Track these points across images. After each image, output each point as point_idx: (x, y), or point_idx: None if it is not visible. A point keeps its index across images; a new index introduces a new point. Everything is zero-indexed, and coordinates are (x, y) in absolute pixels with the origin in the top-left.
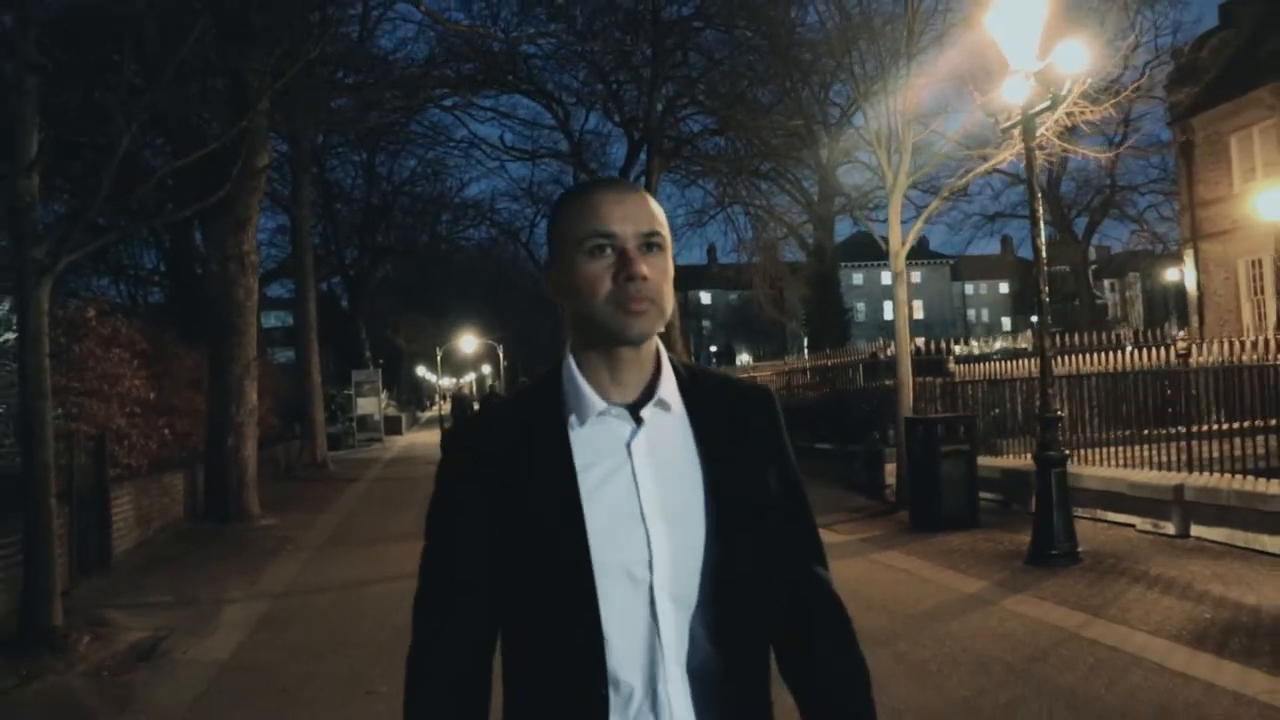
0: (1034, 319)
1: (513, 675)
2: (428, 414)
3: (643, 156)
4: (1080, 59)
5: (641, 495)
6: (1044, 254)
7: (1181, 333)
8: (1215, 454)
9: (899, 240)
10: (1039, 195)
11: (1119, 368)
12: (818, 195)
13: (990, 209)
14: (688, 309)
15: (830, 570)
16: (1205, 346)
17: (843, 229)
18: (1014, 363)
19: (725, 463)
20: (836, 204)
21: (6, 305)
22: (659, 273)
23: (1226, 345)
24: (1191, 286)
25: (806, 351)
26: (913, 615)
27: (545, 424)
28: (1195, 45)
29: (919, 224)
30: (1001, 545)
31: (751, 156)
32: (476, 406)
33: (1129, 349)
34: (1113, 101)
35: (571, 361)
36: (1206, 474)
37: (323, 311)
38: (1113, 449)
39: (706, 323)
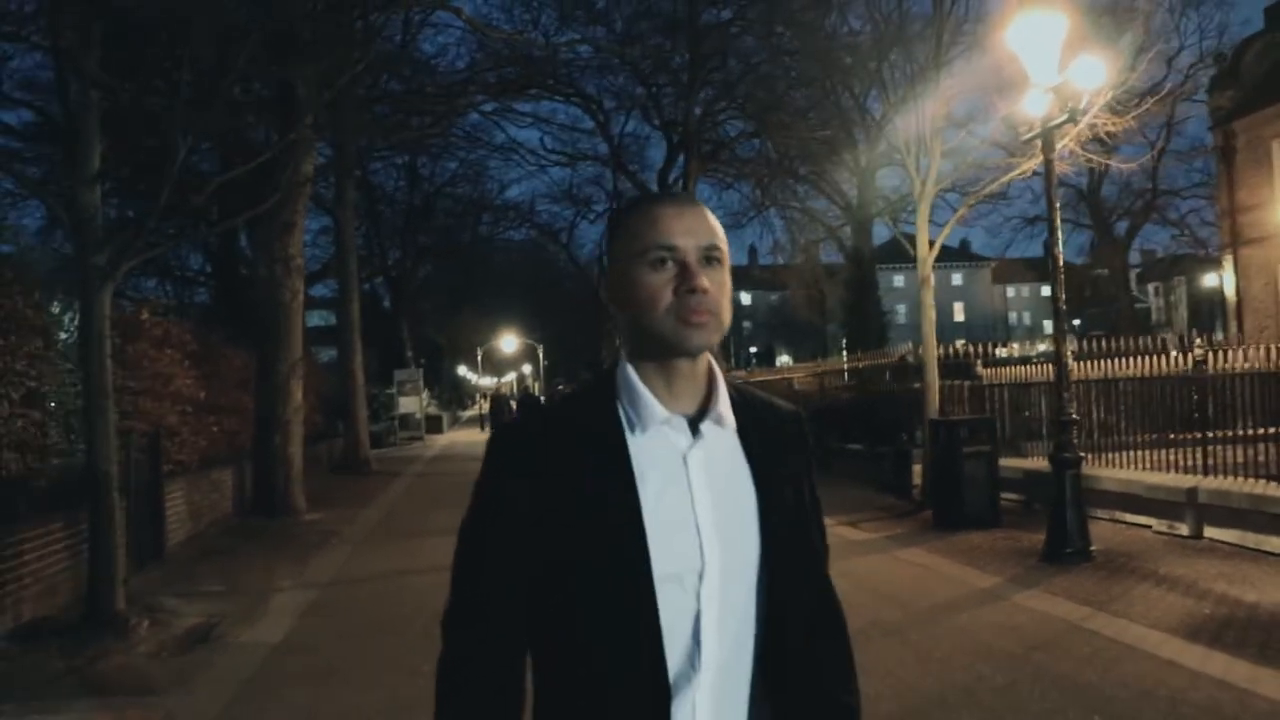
0: (1075, 322)
1: (552, 684)
2: (468, 413)
3: (681, 159)
4: (1098, 74)
5: (696, 507)
6: (1061, 261)
7: (1200, 340)
8: (1239, 459)
9: (926, 246)
10: (1057, 205)
11: (1141, 373)
12: (856, 199)
13: (1030, 212)
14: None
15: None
16: (1221, 354)
17: (883, 231)
18: (1039, 367)
19: (773, 480)
20: (875, 207)
21: (58, 308)
22: (718, 286)
23: (1241, 353)
24: (1230, 292)
25: (845, 353)
26: (926, 608)
27: (603, 430)
28: (1239, 49)
29: (946, 230)
30: (1020, 544)
31: (789, 159)
32: (514, 405)
33: (1172, 353)
34: (1135, 113)
35: (630, 370)
36: (1219, 477)
37: (365, 311)
38: (1139, 452)
39: (747, 323)
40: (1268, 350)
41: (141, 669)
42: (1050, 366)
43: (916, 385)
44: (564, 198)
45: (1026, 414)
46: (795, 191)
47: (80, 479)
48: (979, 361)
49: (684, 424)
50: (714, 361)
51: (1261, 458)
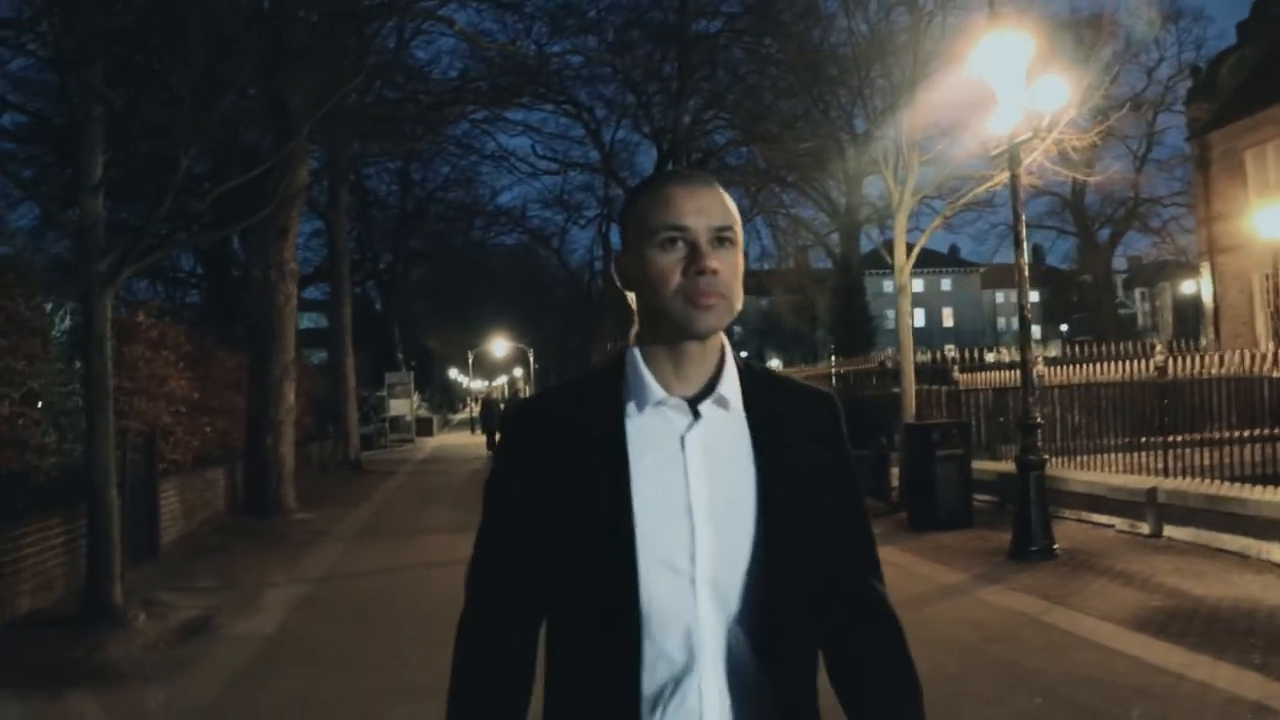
0: (1063, 327)
1: (554, 650)
2: (459, 416)
3: (670, 166)
4: (1062, 93)
5: (691, 489)
6: (1026, 272)
7: (1160, 347)
8: (1207, 460)
9: (904, 255)
10: (1023, 218)
11: (1107, 379)
12: (844, 205)
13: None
14: None
15: (886, 584)
16: (1179, 361)
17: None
18: (1013, 373)
19: (779, 464)
20: (863, 214)
21: (49, 308)
22: (729, 268)
23: (1198, 359)
24: (1208, 299)
25: (833, 358)
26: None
27: (603, 409)
28: (1213, 62)
29: (923, 239)
30: (989, 543)
31: (778, 167)
32: (504, 409)
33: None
34: (1099, 130)
35: (636, 351)
36: (1177, 479)
37: (357, 314)
38: (1112, 455)
39: (738, 328)
40: (1220, 357)
41: (140, 659)
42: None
43: (895, 390)
44: (555, 203)
45: (1002, 419)
46: (782, 199)
47: (76, 476)
48: (956, 367)
49: (684, 405)
50: (727, 343)
51: (1228, 460)
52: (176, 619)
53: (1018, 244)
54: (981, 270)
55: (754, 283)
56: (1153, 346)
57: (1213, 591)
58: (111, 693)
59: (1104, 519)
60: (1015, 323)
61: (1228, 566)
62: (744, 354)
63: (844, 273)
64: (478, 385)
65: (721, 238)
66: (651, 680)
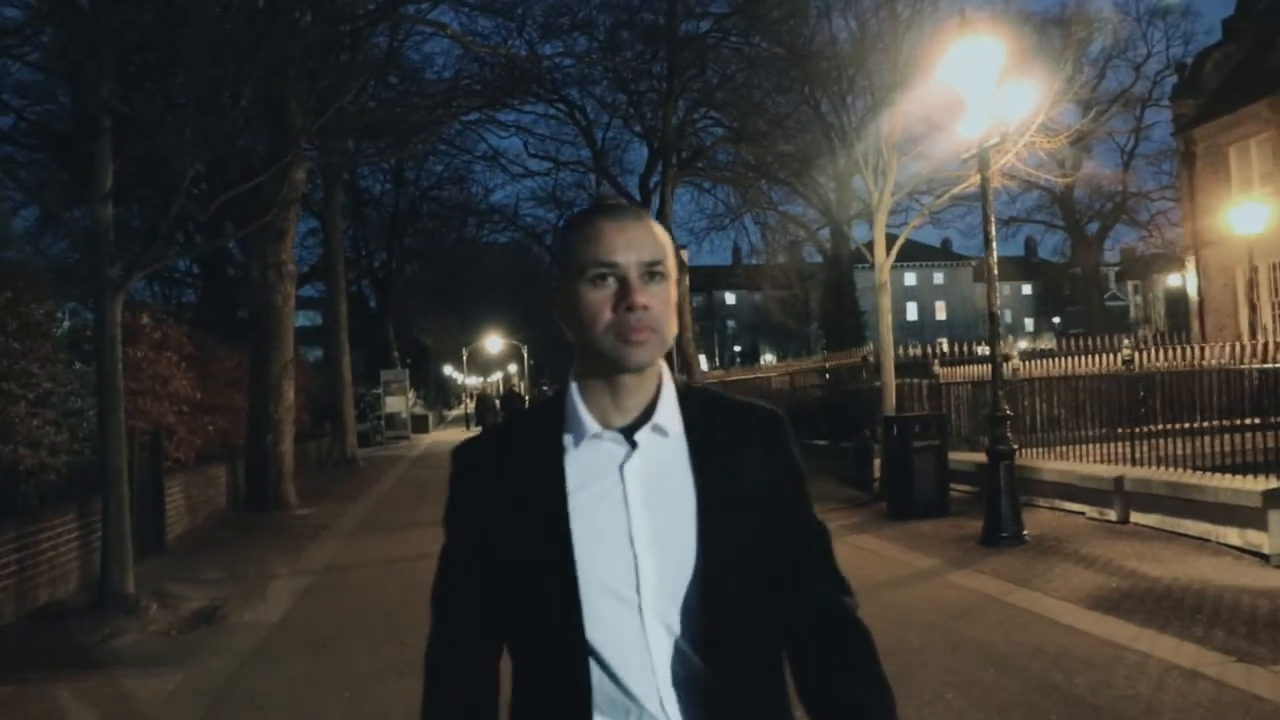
0: (1055, 320)
1: (515, 677)
2: (454, 413)
3: (661, 164)
4: (1029, 100)
5: (631, 518)
6: (995, 271)
7: (1127, 341)
8: (1184, 450)
9: (884, 253)
10: (992, 218)
11: (1078, 372)
12: (835, 201)
13: (1005, 214)
14: (712, 309)
15: (854, 596)
16: (1146, 354)
17: (862, 233)
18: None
19: (721, 488)
20: (853, 209)
21: (63, 315)
22: (660, 302)
23: (1161, 353)
24: (1193, 292)
25: (825, 353)
26: (864, 584)
27: (543, 444)
28: (1198, 59)
29: (901, 238)
30: (963, 530)
31: (769, 164)
32: (499, 404)
33: (1124, 352)
34: (1069, 133)
35: (574, 386)
36: (1143, 467)
37: (352, 312)
38: (1089, 446)
39: (731, 323)
40: (1181, 351)
41: (154, 645)
42: (1007, 365)
43: (879, 384)
44: (548, 200)
45: (984, 412)
46: (771, 196)
47: (85, 474)
48: (936, 361)
49: (620, 437)
50: (665, 370)
51: (1205, 449)
52: (186, 608)
53: (988, 244)
54: (973, 264)
55: (745, 278)
56: (1121, 340)
57: (1168, 573)
58: (130, 675)
59: (1075, 507)
60: (1009, 315)
61: (1187, 550)
62: (737, 348)
63: (834, 268)
64: (473, 382)
65: (652, 272)
66: (610, 707)
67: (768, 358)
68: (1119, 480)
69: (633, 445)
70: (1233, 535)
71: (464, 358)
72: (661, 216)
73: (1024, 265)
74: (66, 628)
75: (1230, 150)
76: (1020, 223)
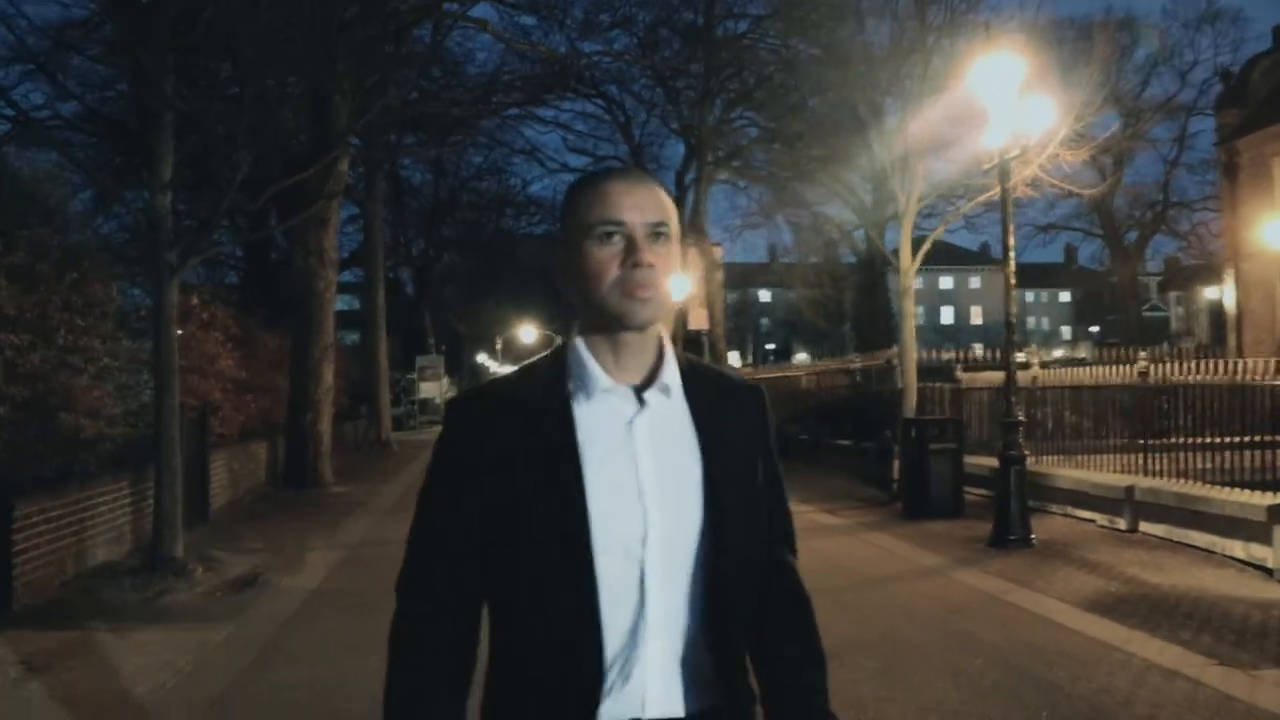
0: (1094, 329)
1: (503, 647)
2: None
3: (696, 162)
4: (1050, 113)
5: (641, 474)
6: (1013, 280)
7: (1144, 354)
8: (1203, 465)
9: (909, 258)
10: (1012, 228)
11: (1097, 382)
12: (871, 201)
13: (1041, 220)
14: (746, 306)
15: (797, 560)
16: (1162, 368)
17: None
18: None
19: (720, 449)
20: (888, 210)
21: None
22: (664, 262)
23: (1176, 365)
24: (1230, 305)
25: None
26: (870, 578)
27: (549, 400)
28: (1245, 67)
29: (926, 245)
30: (974, 532)
31: (804, 164)
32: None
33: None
34: (1091, 148)
35: (580, 342)
36: (1153, 477)
37: (389, 298)
38: (1111, 455)
39: (765, 320)
40: (1197, 365)
41: (201, 604)
42: (1027, 372)
43: (900, 386)
44: None
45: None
46: (805, 198)
47: (136, 444)
48: (959, 366)
49: (630, 393)
50: (664, 333)
51: (1227, 464)
52: (230, 573)
53: (1006, 254)
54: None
55: (781, 276)
56: (1137, 353)
57: (1168, 581)
58: (181, 628)
59: (1087, 514)
60: (1046, 322)
61: (1191, 560)
62: (770, 345)
63: (867, 269)
64: (506, 370)
65: (657, 233)
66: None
67: (801, 356)
68: (1129, 490)
69: (641, 402)
70: (1237, 548)
71: (498, 346)
72: (696, 213)
73: (1063, 272)
74: (121, 585)
75: (1275, 162)
76: (1057, 229)
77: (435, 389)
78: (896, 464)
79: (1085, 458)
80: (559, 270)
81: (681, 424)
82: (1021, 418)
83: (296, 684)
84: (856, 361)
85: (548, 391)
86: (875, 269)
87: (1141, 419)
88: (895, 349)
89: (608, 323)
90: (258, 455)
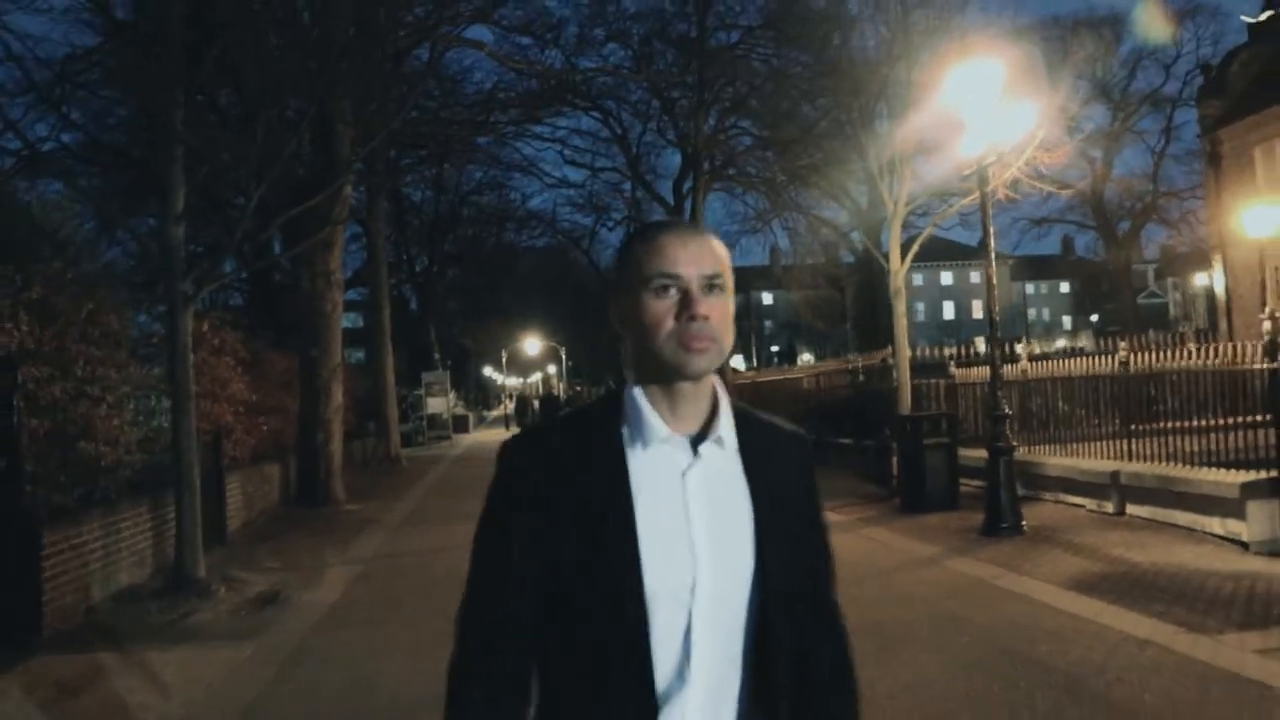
0: (1093, 318)
1: (552, 687)
2: (494, 413)
3: (693, 171)
4: (1027, 119)
5: (692, 523)
6: (995, 279)
7: (1124, 343)
8: (1192, 448)
9: (899, 260)
10: (992, 230)
11: (1078, 373)
12: (866, 202)
13: (1036, 213)
14: (749, 310)
15: (845, 621)
16: (1142, 356)
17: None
18: (1008, 367)
19: (771, 500)
20: (883, 211)
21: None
22: (720, 313)
23: (1155, 354)
24: (1220, 290)
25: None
26: (870, 569)
27: (603, 446)
28: (1225, 60)
29: (915, 247)
30: (969, 523)
31: (799, 169)
32: (537, 405)
33: (1120, 354)
34: (1069, 150)
35: (637, 391)
36: (1137, 462)
37: (394, 314)
38: (1098, 443)
39: (769, 323)
40: (1172, 353)
41: (226, 622)
42: (1013, 367)
43: (896, 385)
44: (585, 205)
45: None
46: (800, 202)
47: (152, 471)
48: (952, 362)
49: (685, 443)
50: (719, 383)
51: (1215, 446)
52: (251, 591)
53: (987, 254)
54: (1010, 262)
55: (782, 279)
56: (1118, 340)
57: (1149, 559)
58: (209, 645)
59: (1077, 500)
60: (1046, 314)
61: (1173, 539)
62: (774, 348)
63: (865, 269)
64: (512, 382)
65: (712, 285)
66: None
67: (805, 357)
68: (1115, 475)
69: (695, 453)
70: (1216, 525)
71: (503, 359)
72: (693, 221)
73: (1062, 263)
74: (146, 608)
75: (1256, 151)
76: (1051, 223)
77: (442, 404)
78: (895, 460)
79: (1077, 445)
80: (615, 318)
81: (733, 476)
82: (1008, 410)
83: (322, 690)
84: (854, 361)
85: (602, 437)
86: (873, 269)
87: (1125, 406)
88: (888, 349)
89: (664, 372)
90: (271, 476)
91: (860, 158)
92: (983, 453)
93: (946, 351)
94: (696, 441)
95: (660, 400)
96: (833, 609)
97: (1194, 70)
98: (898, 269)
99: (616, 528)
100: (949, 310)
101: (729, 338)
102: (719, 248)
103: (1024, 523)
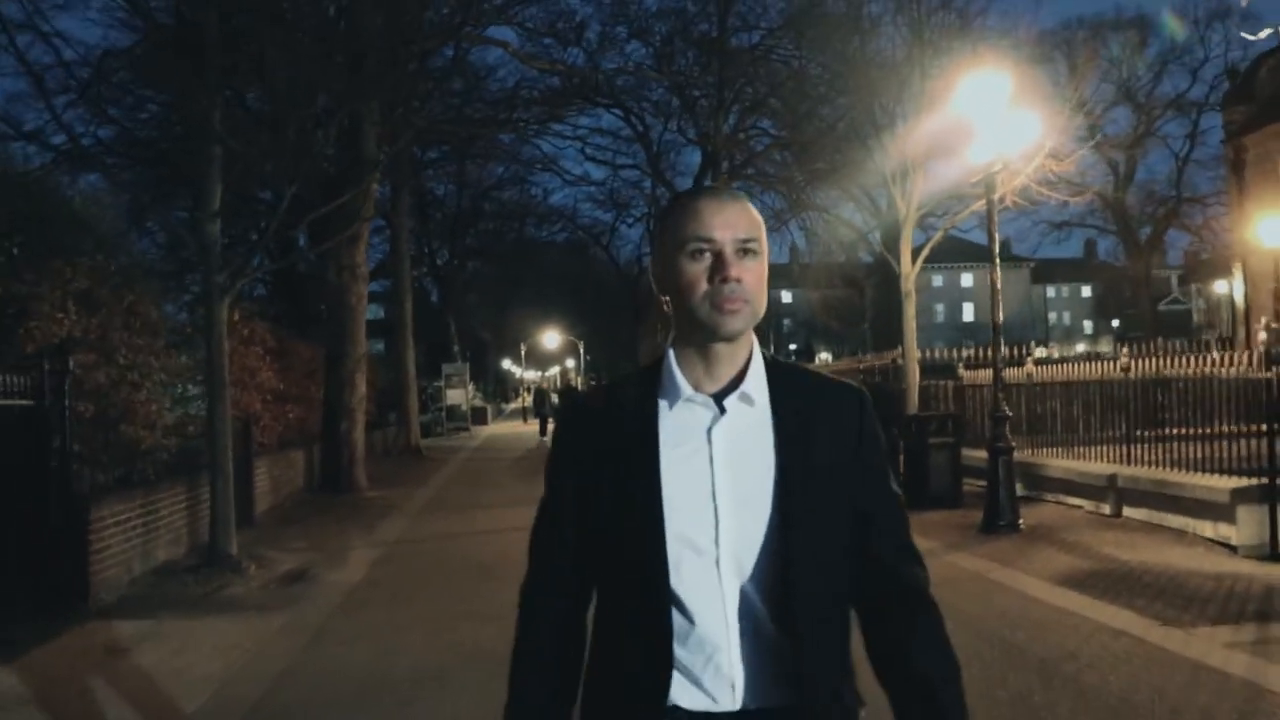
0: (1114, 323)
1: (598, 620)
2: (512, 406)
3: (708, 177)
4: (1035, 129)
5: (716, 478)
6: (998, 285)
7: (1125, 350)
8: (1199, 454)
9: (909, 264)
10: (997, 237)
11: (1080, 378)
12: (886, 204)
13: (1056, 217)
14: (768, 306)
15: (925, 568)
16: (1141, 362)
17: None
18: (1015, 370)
19: (800, 458)
20: (902, 212)
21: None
22: (753, 276)
23: (1153, 361)
24: (1239, 298)
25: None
26: None
27: (640, 405)
28: (1251, 66)
29: (926, 251)
30: (969, 520)
31: (818, 170)
32: (555, 399)
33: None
34: (1073, 159)
35: (671, 353)
36: (1134, 465)
37: (414, 306)
38: (1102, 447)
39: (788, 321)
40: (1173, 360)
41: (258, 596)
42: (1019, 370)
43: (905, 386)
44: (606, 201)
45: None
46: (818, 202)
47: (185, 454)
48: (960, 364)
49: (710, 401)
50: (755, 342)
51: (1226, 453)
52: (280, 569)
53: (991, 261)
54: (1032, 265)
55: (801, 277)
56: (1122, 347)
57: (1138, 558)
58: (242, 617)
59: (1076, 501)
60: (1067, 317)
61: (1165, 541)
62: (792, 346)
63: (884, 269)
64: (530, 375)
65: (746, 249)
66: (687, 652)
67: (823, 356)
68: (1112, 477)
69: (721, 410)
70: (1207, 528)
71: (522, 353)
72: (727, 187)
73: (1084, 266)
74: (183, 581)
75: None
76: (1072, 227)
77: (461, 396)
78: (903, 459)
79: (1079, 449)
80: (654, 281)
81: (762, 432)
82: (1008, 412)
83: (350, 658)
84: (865, 361)
85: (639, 397)
86: (891, 269)
87: (1126, 411)
88: (897, 350)
89: (699, 333)
90: (296, 462)
91: (875, 161)
92: (984, 453)
93: (958, 353)
94: (723, 398)
95: (697, 361)
96: (903, 577)
97: (1221, 75)
98: (908, 272)
99: (642, 481)
100: (969, 312)
101: (762, 300)
102: (753, 212)
103: (1021, 521)
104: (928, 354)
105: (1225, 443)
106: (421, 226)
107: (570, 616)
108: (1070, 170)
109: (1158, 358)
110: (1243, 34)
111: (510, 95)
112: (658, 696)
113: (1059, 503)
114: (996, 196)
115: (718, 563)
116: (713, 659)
